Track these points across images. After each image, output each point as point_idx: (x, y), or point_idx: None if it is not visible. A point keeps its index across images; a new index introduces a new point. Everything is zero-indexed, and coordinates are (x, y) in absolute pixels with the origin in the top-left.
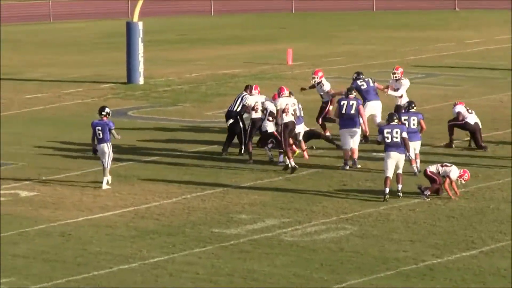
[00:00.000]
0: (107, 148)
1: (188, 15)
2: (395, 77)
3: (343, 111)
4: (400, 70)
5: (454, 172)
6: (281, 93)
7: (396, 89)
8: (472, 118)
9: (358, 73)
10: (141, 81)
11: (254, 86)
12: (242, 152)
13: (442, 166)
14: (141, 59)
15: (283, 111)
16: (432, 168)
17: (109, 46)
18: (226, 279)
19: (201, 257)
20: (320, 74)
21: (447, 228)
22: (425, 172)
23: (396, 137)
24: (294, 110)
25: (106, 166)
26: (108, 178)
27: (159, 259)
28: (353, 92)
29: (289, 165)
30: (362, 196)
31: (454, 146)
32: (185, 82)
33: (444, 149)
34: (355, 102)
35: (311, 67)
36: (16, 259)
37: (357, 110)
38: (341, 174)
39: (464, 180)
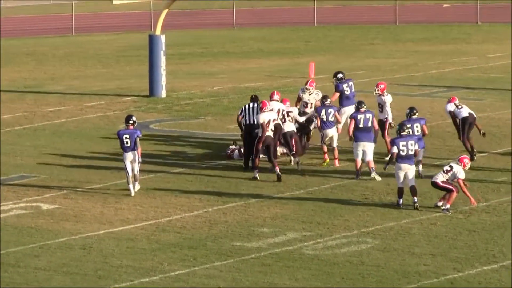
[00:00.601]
0: (134, 156)
1: (211, 28)
2: (376, 92)
3: (361, 125)
4: (381, 86)
5: (459, 171)
6: (264, 108)
7: (379, 104)
8: (465, 111)
9: (343, 74)
10: (163, 94)
11: (275, 91)
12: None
13: (445, 172)
14: (163, 72)
15: (266, 125)
16: (440, 177)
17: (131, 59)
18: None
19: (222, 271)
20: (313, 84)
21: (468, 242)
22: (436, 185)
23: (411, 150)
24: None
25: (135, 172)
26: (136, 186)
27: (180, 272)
28: (363, 105)
29: (257, 177)
30: (384, 210)
31: (475, 158)
32: (207, 95)
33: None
34: (370, 115)
35: (333, 80)
36: (37, 272)
37: (372, 123)
38: (362, 188)
39: (468, 164)
